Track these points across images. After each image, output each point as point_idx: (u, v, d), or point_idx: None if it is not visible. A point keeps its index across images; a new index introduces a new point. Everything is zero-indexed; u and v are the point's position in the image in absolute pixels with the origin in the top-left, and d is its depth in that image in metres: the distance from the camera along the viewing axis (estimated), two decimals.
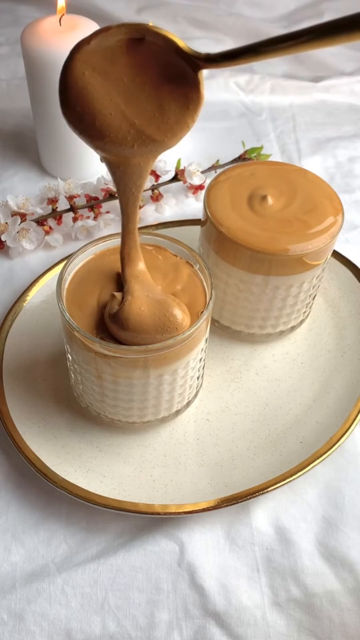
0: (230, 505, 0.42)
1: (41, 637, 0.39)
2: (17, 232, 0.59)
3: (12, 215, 0.59)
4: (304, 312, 0.51)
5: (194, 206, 0.67)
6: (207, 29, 0.97)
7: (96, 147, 0.33)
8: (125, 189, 0.36)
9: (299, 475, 0.43)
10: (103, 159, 0.35)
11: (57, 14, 0.59)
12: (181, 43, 0.29)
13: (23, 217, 0.59)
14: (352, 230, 0.65)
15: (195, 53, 0.29)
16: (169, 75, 0.30)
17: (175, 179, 0.65)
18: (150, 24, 0.30)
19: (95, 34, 0.30)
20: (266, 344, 0.52)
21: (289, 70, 0.92)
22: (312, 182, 0.48)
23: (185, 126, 0.32)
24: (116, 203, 0.64)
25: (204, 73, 0.31)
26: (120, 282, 0.41)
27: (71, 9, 0.62)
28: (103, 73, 0.31)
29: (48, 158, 0.69)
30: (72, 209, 0.61)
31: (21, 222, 0.59)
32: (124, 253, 0.39)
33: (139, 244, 0.39)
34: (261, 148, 0.69)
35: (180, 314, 0.38)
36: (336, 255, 0.57)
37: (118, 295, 0.39)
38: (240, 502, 0.42)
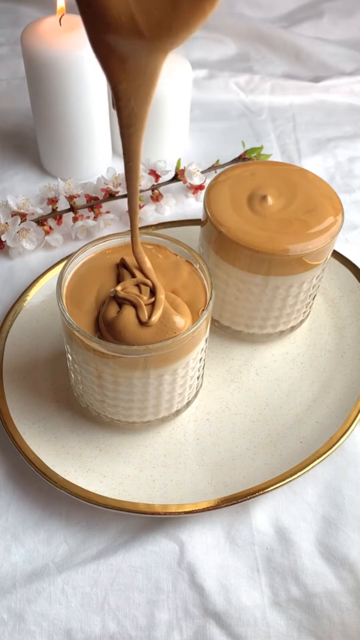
0: (230, 505, 0.42)
1: (41, 637, 0.39)
2: (17, 232, 0.59)
3: (12, 215, 0.59)
4: (304, 312, 0.51)
5: (194, 206, 0.67)
6: (207, 29, 0.97)
7: (102, 61, 0.29)
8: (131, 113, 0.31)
9: (299, 475, 0.43)
10: (110, 86, 0.30)
11: (57, 14, 0.59)
12: None
13: (23, 217, 0.59)
14: (352, 230, 0.65)
15: None
16: None
17: (175, 179, 0.65)
18: None
19: None
20: (266, 344, 0.52)
21: (289, 70, 0.92)
22: (312, 182, 0.48)
23: (202, 13, 0.27)
24: (116, 203, 0.64)
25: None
26: (118, 279, 0.41)
27: (71, 9, 0.62)
28: None
29: (48, 158, 0.69)
30: (72, 209, 0.61)
31: (21, 222, 0.59)
32: (133, 224, 0.37)
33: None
34: (261, 148, 0.69)
35: (180, 321, 0.38)
36: (336, 255, 0.57)
37: (117, 289, 0.38)
38: (240, 502, 0.42)
